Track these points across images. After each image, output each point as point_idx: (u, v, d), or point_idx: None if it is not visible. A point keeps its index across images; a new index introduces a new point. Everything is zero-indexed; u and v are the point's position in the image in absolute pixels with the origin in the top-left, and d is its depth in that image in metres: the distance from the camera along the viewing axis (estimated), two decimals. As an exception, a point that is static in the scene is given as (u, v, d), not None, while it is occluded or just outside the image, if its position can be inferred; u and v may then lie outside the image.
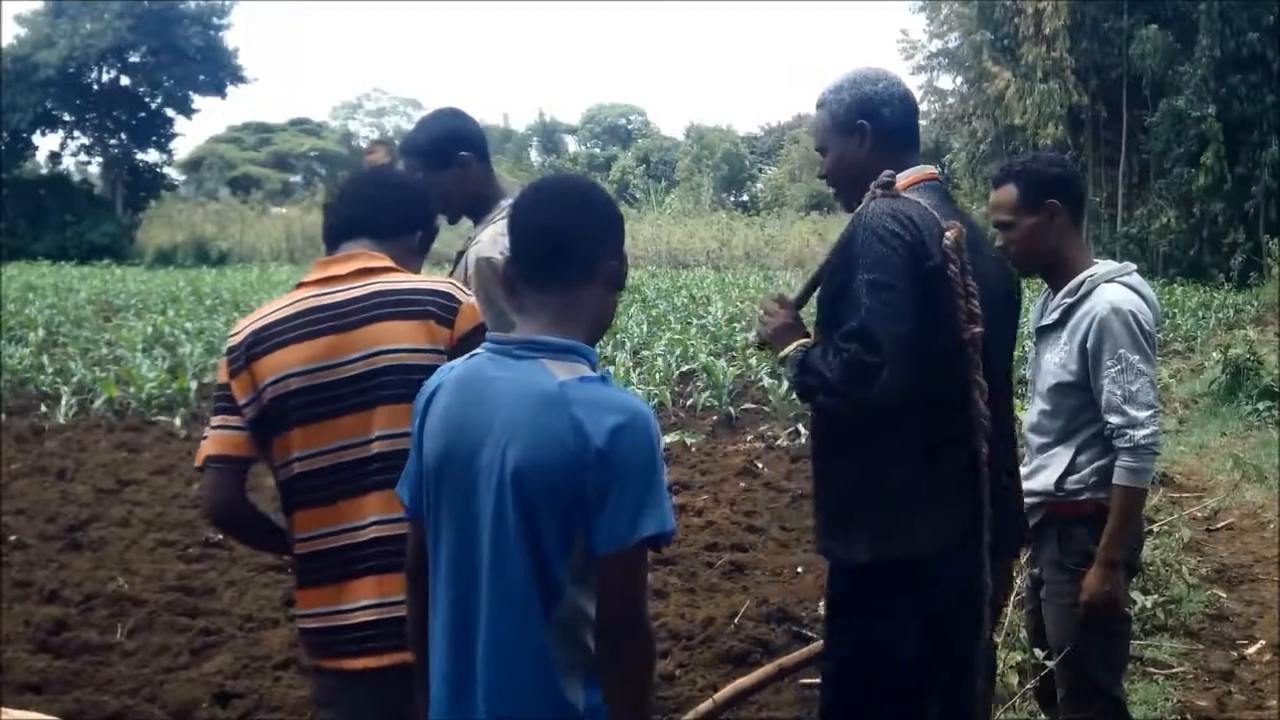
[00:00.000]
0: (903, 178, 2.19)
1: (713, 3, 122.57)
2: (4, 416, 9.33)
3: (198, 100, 46.47)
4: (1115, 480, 2.61)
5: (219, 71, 46.03)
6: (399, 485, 1.81)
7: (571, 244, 1.70)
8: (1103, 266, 2.76)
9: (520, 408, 1.61)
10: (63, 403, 9.73)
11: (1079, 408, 2.71)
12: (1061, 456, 2.72)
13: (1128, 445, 2.59)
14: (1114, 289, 2.68)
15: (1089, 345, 2.66)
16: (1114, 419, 2.61)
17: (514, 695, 1.62)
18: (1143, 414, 2.59)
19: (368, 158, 3.55)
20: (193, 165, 54.88)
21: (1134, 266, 2.84)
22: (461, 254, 2.81)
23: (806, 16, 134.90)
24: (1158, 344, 2.92)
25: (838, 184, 2.35)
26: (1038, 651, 2.95)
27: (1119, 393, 2.60)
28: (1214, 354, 10.91)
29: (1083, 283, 2.72)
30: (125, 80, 45.57)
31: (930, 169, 2.27)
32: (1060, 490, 2.71)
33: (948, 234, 2.06)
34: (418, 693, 1.80)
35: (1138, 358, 2.61)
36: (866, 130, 2.23)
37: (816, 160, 2.41)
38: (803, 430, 8.90)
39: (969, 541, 2.11)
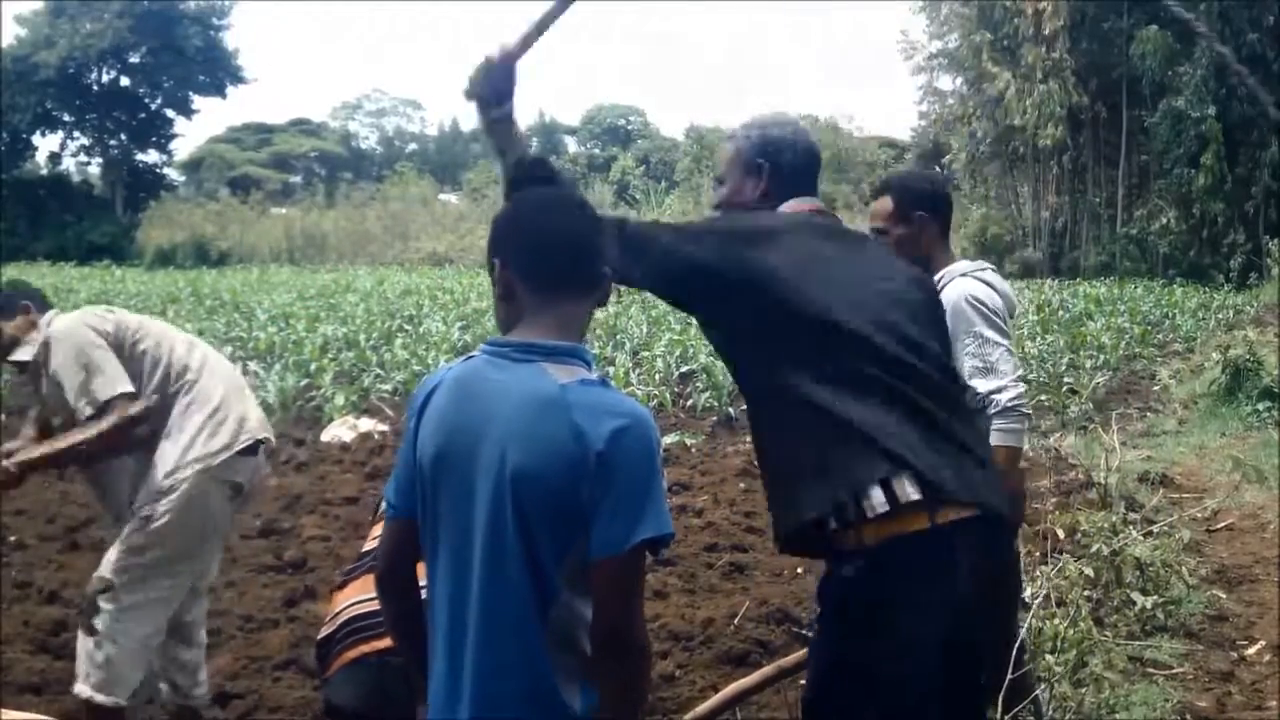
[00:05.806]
0: (788, 205, 2.27)
1: (712, 3, 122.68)
2: (4, 417, 9.33)
3: (198, 101, 46.70)
4: (993, 442, 2.72)
5: (219, 72, 46.13)
6: (387, 485, 1.80)
7: (587, 256, 1.74)
8: (959, 265, 3.00)
9: (520, 411, 1.60)
10: (63, 403, 9.70)
11: None
12: None
13: (996, 410, 2.77)
14: (963, 282, 2.91)
15: (950, 331, 2.81)
16: (980, 387, 2.78)
17: (509, 698, 1.61)
18: (1004, 380, 2.79)
19: None
20: (193, 165, 54.93)
21: (988, 265, 3.08)
22: None
23: (806, 17, 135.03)
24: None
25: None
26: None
27: (980, 364, 2.80)
28: (1214, 355, 10.90)
29: (941, 278, 2.93)
30: (125, 80, 45.66)
31: (817, 203, 2.33)
32: None
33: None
34: (417, 694, 1.78)
35: (992, 333, 2.82)
36: (765, 169, 2.28)
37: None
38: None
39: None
